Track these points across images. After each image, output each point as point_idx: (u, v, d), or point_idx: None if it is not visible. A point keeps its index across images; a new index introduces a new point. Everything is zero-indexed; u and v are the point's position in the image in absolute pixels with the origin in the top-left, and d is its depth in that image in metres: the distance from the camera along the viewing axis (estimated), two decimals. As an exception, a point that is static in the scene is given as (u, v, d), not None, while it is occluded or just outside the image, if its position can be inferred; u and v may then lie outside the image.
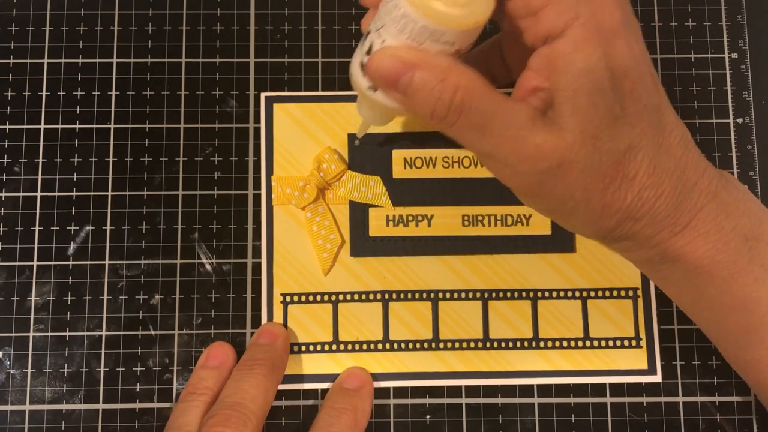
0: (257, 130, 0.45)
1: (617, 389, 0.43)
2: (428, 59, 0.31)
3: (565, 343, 0.44)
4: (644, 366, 0.43)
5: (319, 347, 0.43)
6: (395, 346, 0.43)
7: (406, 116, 0.38)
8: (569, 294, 0.44)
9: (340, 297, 0.44)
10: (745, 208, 0.35)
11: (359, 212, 0.44)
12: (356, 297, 0.44)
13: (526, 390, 0.43)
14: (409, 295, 0.44)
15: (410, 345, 0.43)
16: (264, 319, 0.44)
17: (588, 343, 0.44)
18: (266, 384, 0.40)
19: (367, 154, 0.45)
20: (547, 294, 0.44)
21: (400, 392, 0.43)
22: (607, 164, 0.32)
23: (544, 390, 0.43)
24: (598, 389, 0.43)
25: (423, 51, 0.31)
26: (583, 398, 0.43)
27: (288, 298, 0.44)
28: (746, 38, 0.47)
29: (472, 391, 0.43)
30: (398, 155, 0.45)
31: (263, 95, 0.46)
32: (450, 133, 0.33)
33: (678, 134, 0.34)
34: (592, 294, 0.44)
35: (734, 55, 0.47)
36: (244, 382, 0.40)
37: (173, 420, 0.39)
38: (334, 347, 0.43)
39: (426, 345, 0.43)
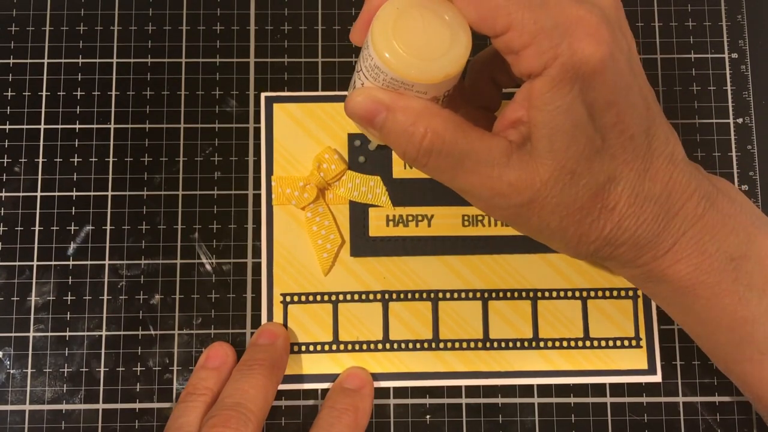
0: (257, 130, 0.45)
1: (617, 389, 0.43)
2: (402, 101, 0.32)
3: (565, 343, 0.44)
4: (644, 366, 0.43)
5: (319, 347, 0.43)
6: (395, 346, 0.43)
7: None
8: (569, 294, 0.44)
9: (340, 297, 0.44)
10: (734, 225, 0.34)
11: (359, 212, 0.44)
12: (356, 297, 0.44)
13: (526, 390, 0.43)
14: (409, 295, 0.44)
15: (410, 345, 0.43)
16: (264, 319, 0.44)
17: (588, 343, 0.44)
18: (266, 384, 0.40)
19: (367, 154, 0.45)
20: (547, 294, 0.44)
21: (400, 392, 0.43)
22: (585, 197, 0.32)
23: (544, 390, 0.43)
24: (598, 389, 0.43)
25: (399, 93, 0.32)
26: (583, 398, 0.43)
27: (288, 298, 0.44)
28: (746, 38, 0.47)
29: (472, 391, 0.43)
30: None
31: (263, 95, 0.46)
32: (425, 172, 0.34)
33: (666, 156, 0.34)
34: (592, 294, 0.44)
35: (734, 55, 0.47)
36: (243, 383, 0.40)
37: (173, 420, 0.39)
38: (334, 347, 0.43)
39: (426, 345, 0.43)
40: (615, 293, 0.44)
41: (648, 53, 0.47)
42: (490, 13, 0.31)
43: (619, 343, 0.44)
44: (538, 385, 0.43)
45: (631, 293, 0.44)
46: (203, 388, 0.41)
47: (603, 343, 0.44)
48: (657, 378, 0.43)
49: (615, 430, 0.43)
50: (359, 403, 0.41)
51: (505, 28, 0.30)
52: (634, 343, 0.44)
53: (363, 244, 0.44)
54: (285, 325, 0.43)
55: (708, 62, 0.47)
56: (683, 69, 0.47)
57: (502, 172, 0.32)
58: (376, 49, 0.31)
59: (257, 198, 0.45)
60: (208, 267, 0.44)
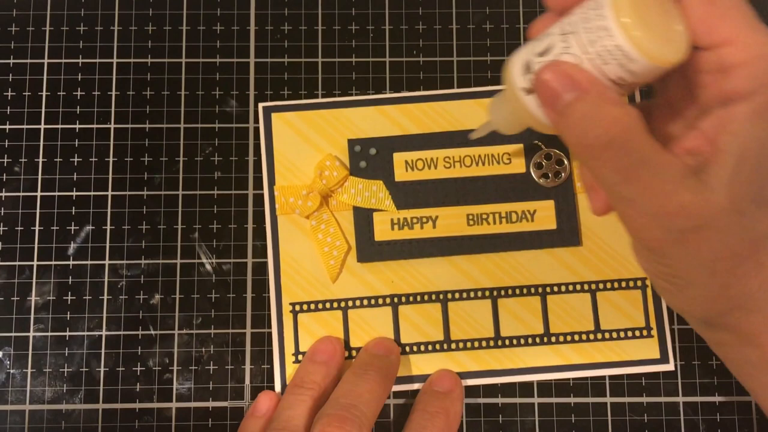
0: (257, 130, 0.45)
1: (617, 389, 0.43)
2: (599, 86, 0.30)
3: (576, 337, 0.44)
4: (656, 355, 0.43)
5: None
6: (407, 349, 0.43)
7: (539, 129, 0.35)
8: (578, 287, 0.44)
9: (349, 303, 0.44)
10: None
11: (364, 217, 0.44)
12: (365, 302, 0.44)
13: (526, 389, 0.43)
14: (418, 298, 0.44)
15: (422, 347, 0.43)
16: (274, 329, 0.43)
17: (599, 336, 0.44)
18: (379, 391, 0.40)
19: (368, 159, 0.45)
20: (555, 289, 0.44)
21: (399, 392, 0.43)
22: (744, 243, 0.31)
23: (544, 389, 0.43)
24: (599, 389, 0.43)
25: (596, 77, 0.30)
26: (583, 398, 0.43)
27: (297, 307, 0.44)
28: (746, 38, 0.47)
29: (472, 390, 0.43)
30: (399, 158, 0.45)
31: (261, 105, 0.45)
32: (590, 167, 0.31)
33: None
34: (601, 286, 0.44)
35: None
36: (358, 386, 0.39)
37: (280, 411, 0.39)
38: (346, 354, 0.43)
39: (438, 346, 0.43)
40: (624, 284, 0.44)
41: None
42: (718, 17, 0.29)
43: (630, 333, 0.44)
44: (538, 385, 0.43)
45: (639, 283, 0.44)
46: (311, 382, 0.40)
47: (614, 335, 0.44)
48: (670, 366, 0.43)
49: (615, 429, 0.43)
50: (450, 406, 0.41)
51: (725, 40, 0.29)
52: (645, 333, 0.44)
53: (369, 249, 0.44)
54: (296, 334, 0.43)
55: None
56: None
57: (676, 191, 0.30)
58: (617, 11, 0.29)
59: (257, 198, 0.45)
60: (208, 267, 0.44)
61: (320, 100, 0.46)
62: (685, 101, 0.33)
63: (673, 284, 0.33)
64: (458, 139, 0.45)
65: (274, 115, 0.45)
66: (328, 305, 0.44)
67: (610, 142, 0.29)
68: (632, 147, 0.29)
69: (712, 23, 0.30)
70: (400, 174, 0.45)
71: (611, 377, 0.44)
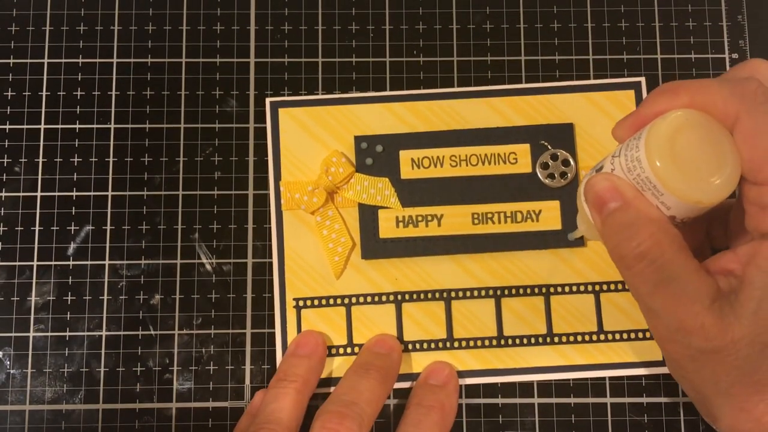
0: (257, 130, 0.45)
1: (617, 389, 0.43)
2: (642, 202, 0.32)
3: (579, 338, 0.43)
4: (659, 357, 0.43)
5: (333, 351, 0.43)
6: (410, 347, 0.43)
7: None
8: (582, 288, 0.44)
9: (353, 300, 0.44)
10: None
11: (369, 214, 0.44)
12: (369, 299, 0.44)
13: (526, 390, 0.43)
14: (422, 296, 0.44)
15: (425, 345, 0.43)
16: (278, 325, 0.43)
17: (602, 337, 0.44)
18: (380, 390, 0.40)
19: (375, 156, 0.44)
20: (559, 289, 0.44)
21: (399, 392, 0.43)
22: (765, 374, 0.31)
23: (544, 390, 0.43)
24: (599, 389, 0.43)
25: (641, 193, 0.32)
26: (583, 398, 0.43)
27: (301, 303, 0.44)
28: (747, 38, 0.47)
29: (472, 390, 0.43)
30: (405, 156, 0.44)
31: (268, 100, 0.45)
32: (623, 275, 0.33)
33: None
34: (605, 287, 0.44)
35: (735, 56, 0.47)
36: (359, 384, 0.39)
37: (264, 406, 0.39)
38: (348, 350, 0.43)
39: (440, 345, 0.43)
40: (627, 286, 0.44)
41: (648, 53, 0.47)
42: (763, 157, 0.30)
43: (633, 335, 0.44)
44: (538, 385, 0.43)
45: (643, 285, 0.44)
46: (294, 374, 0.40)
47: (617, 336, 0.44)
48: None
49: (615, 430, 0.43)
50: (445, 399, 0.41)
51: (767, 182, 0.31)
52: (648, 335, 0.44)
53: (374, 246, 0.44)
54: (299, 329, 0.43)
55: (708, 62, 0.47)
56: (684, 69, 0.47)
57: (701, 312, 0.31)
58: (648, 152, 0.31)
59: (257, 198, 0.45)
60: (208, 267, 0.44)
61: (327, 96, 0.46)
62: (738, 221, 0.35)
63: (698, 396, 0.35)
64: (465, 137, 0.44)
65: (281, 111, 0.45)
66: (331, 301, 0.44)
67: (642, 255, 0.31)
68: (664, 263, 0.31)
69: (760, 161, 0.31)
70: (406, 171, 0.44)
71: (611, 378, 0.44)
